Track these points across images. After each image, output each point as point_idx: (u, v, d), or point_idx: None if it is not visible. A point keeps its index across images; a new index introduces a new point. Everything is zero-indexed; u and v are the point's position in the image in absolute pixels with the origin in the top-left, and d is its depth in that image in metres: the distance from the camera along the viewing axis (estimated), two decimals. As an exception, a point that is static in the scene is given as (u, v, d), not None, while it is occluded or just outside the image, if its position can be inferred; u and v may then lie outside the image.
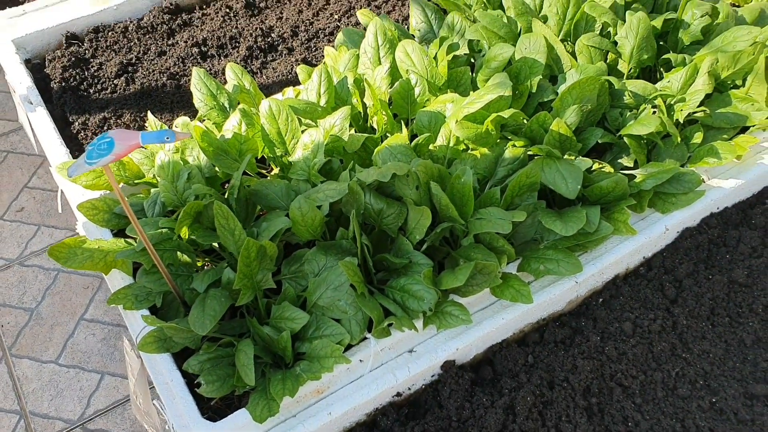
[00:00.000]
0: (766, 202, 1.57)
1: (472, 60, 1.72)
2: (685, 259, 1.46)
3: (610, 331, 1.36)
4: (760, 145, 1.61)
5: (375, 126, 1.59)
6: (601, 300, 1.43)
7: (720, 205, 1.53)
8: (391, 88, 1.62)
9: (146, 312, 1.37)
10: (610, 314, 1.40)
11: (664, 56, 1.66)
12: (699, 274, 1.44)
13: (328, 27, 2.09)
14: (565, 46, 1.68)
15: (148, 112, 1.65)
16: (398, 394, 1.30)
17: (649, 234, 1.45)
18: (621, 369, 1.30)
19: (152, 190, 1.57)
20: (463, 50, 1.70)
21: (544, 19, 1.72)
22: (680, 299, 1.40)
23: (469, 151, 1.52)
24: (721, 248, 1.48)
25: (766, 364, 1.31)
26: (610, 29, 1.68)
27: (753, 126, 1.58)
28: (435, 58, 1.61)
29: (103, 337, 2.21)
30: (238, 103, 1.62)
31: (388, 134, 1.54)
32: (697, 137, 1.56)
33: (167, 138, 1.07)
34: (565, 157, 1.48)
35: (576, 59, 1.62)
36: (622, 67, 1.65)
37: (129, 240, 1.46)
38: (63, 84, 1.94)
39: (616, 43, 1.65)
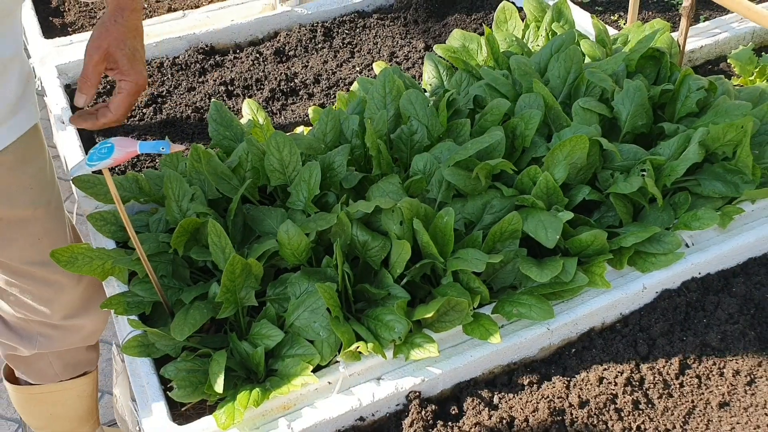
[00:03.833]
0: (750, 272, 1.58)
1: (477, 115, 1.81)
2: (661, 319, 1.48)
3: (576, 380, 1.38)
4: (747, 217, 1.64)
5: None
6: (573, 350, 1.46)
7: (702, 270, 1.56)
8: (393, 133, 1.71)
9: (135, 318, 1.44)
10: (580, 364, 1.42)
11: (659, 124, 1.72)
12: (674, 334, 1.46)
13: (349, 77, 2.21)
14: (564, 108, 1.75)
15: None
16: (361, 419, 1.33)
17: (626, 290, 1.48)
18: (581, 416, 1.32)
19: (160, 209, 1.67)
20: (467, 105, 1.79)
21: (547, 82, 1.80)
22: (651, 357, 1.42)
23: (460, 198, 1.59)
24: (699, 312, 1.50)
25: (728, 428, 1.32)
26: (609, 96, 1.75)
27: (741, 197, 1.61)
28: (437, 108, 1.70)
29: (109, 357, 2.29)
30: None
31: (384, 175, 1.62)
32: (685, 204, 1.60)
33: (162, 148, 1.16)
34: (552, 210, 1.53)
35: (572, 120, 1.69)
36: (618, 131, 1.72)
37: (129, 250, 1.55)
38: (96, 108, 2.08)
39: (613, 108, 1.71)
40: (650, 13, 2.48)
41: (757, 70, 2.10)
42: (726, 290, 1.55)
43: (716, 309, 1.50)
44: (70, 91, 2.17)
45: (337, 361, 1.36)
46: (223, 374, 1.27)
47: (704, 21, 2.38)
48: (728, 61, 2.14)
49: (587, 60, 1.91)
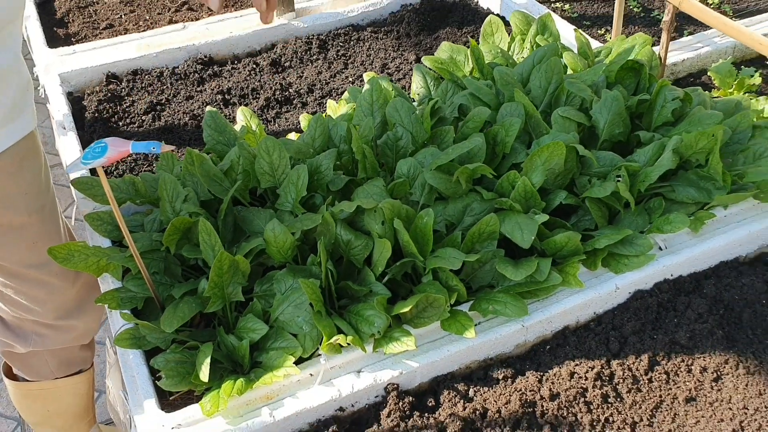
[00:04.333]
0: (721, 275, 1.64)
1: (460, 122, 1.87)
2: (633, 318, 1.54)
3: (548, 375, 1.44)
4: (720, 222, 1.70)
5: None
6: (548, 347, 1.52)
7: (674, 272, 1.62)
8: (380, 139, 1.78)
9: (127, 312, 1.51)
10: (554, 360, 1.48)
11: (636, 133, 1.79)
12: (644, 333, 1.52)
13: (342, 87, 2.29)
14: (545, 116, 1.82)
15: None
16: (341, 409, 1.39)
17: (599, 290, 1.54)
18: (552, 408, 1.37)
19: (155, 210, 1.73)
20: (452, 113, 1.86)
21: (529, 92, 1.87)
22: (622, 353, 1.48)
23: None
24: (670, 312, 1.56)
25: (693, 422, 1.37)
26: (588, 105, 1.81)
27: (713, 203, 1.67)
28: (422, 116, 1.77)
29: (105, 359, 2.35)
30: (242, 141, 1.79)
31: (370, 178, 1.69)
32: (659, 209, 1.66)
33: (153, 148, 1.24)
34: (529, 213, 1.59)
35: (552, 128, 1.76)
36: (596, 139, 1.78)
37: (123, 249, 1.61)
38: (96, 115, 2.16)
39: (591, 117, 1.78)
40: (636, 27, 2.55)
41: (736, 82, 2.17)
42: (697, 291, 1.60)
43: (686, 309, 1.56)
44: (72, 98, 2.26)
45: (319, 354, 1.42)
46: (208, 363, 1.33)
47: (688, 35, 2.45)
48: (708, 74, 2.21)
49: (569, 71, 1.98)
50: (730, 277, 1.64)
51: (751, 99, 2.05)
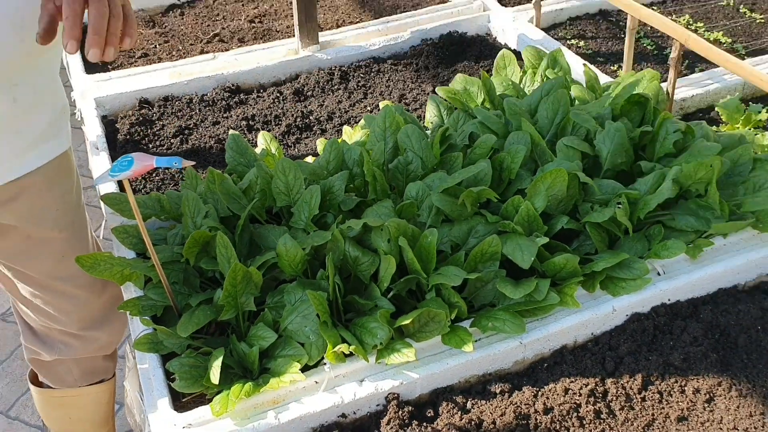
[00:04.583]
0: (718, 301, 1.69)
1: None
2: (629, 340, 1.59)
3: (544, 390, 1.49)
4: (719, 250, 1.75)
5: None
6: (546, 365, 1.57)
7: (672, 297, 1.67)
8: (391, 163, 1.87)
9: (147, 318, 1.60)
10: (550, 377, 1.53)
11: (638, 163, 1.85)
12: (640, 354, 1.57)
13: (360, 115, 2.39)
14: (551, 146, 1.89)
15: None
16: (343, 416, 1.46)
17: (597, 311, 1.60)
18: (545, 421, 1.42)
19: (177, 225, 1.84)
20: (462, 141, 1.95)
21: (536, 122, 1.95)
22: (617, 373, 1.53)
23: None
24: (666, 335, 1.61)
25: (684, 439, 1.41)
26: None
27: (710, 231, 1.72)
28: (432, 142, 1.86)
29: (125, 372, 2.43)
30: (261, 162, 1.90)
31: (379, 199, 1.77)
32: (659, 236, 1.72)
33: (175, 163, 1.34)
34: (531, 236, 1.66)
35: (556, 156, 1.84)
36: (599, 168, 1.85)
37: (146, 260, 1.72)
38: (128, 137, 2.29)
39: (595, 147, 1.85)
40: (648, 64, 2.63)
41: (743, 118, 2.23)
42: (694, 316, 1.65)
43: (682, 332, 1.60)
44: (106, 121, 2.39)
45: (324, 363, 1.49)
46: (219, 367, 1.41)
47: (699, 72, 2.52)
48: (716, 109, 2.27)
49: (577, 103, 2.06)
50: (728, 304, 1.68)
51: (756, 134, 2.11)
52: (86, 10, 1.24)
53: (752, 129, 2.21)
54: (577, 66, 2.39)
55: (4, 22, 1.37)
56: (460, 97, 2.12)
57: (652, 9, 2.92)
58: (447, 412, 1.46)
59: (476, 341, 1.54)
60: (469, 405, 1.48)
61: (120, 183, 1.95)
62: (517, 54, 2.58)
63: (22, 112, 1.52)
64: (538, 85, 2.21)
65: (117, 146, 2.28)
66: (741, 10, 2.91)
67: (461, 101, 2.09)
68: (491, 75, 2.34)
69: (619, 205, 1.72)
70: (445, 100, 2.16)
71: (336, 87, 2.56)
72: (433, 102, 2.15)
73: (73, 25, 1.21)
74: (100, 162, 2.11)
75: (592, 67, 2.30)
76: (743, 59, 2.58)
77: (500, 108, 2.07)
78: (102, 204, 1.90)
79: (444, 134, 1.91)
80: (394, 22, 2.84)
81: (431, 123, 2.14)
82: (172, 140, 2.32)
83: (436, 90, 2.16)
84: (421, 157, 1.84)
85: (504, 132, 1.93)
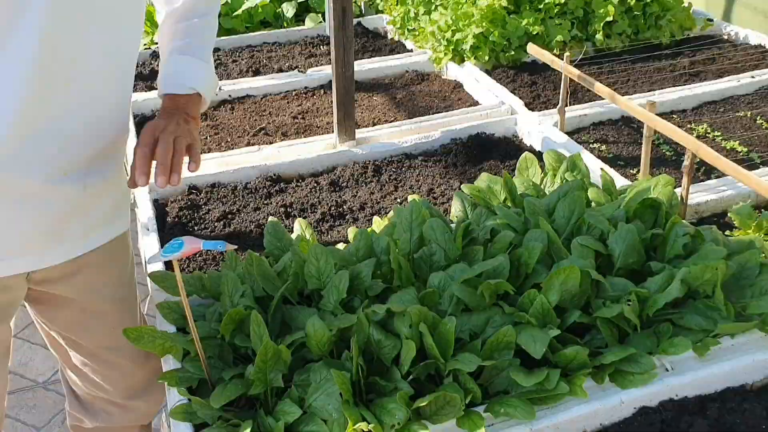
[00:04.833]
0: (726, 399, 1.75)
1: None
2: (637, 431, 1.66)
3: (552, 476, 1.56)
4: (727, 350, 1.83)
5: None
6: (555, 453, 1.65)
7: (679, 393, 1.74)
8: (416, 253, 2.01)
9: (183, 389, 1.73)
10: (558, 464, 1.60)
11: (648, 263, 1.96)
12: (647, 446, 1.64)
13: (390, 206, 2.56)
14: (566, 244, 2.02)
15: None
16: (359, 491, 1.54)
17: (605, 402, 1.68)
18: (551, 506, 1.49)
19: (216, 303, 1.99)
20: (484, 235, 2.09)
21: (553, 221, 2.09)
22: (623, 463, 1.60)
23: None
24: (674, 430, 1.67)
25: None
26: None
27: (717, 331, 1.81)
28: (455, 236, 2.00)
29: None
30: (296, 248, 2.06)
31: (404, 287, 1.91)
32: (667, 333, 1.81)
33: (219, 247, 1.50)
34: (545, 329, 1.77)
35: (571, 254, 1.96)
36: (612, 267, 1.97)
37: (186, 335, 1.86)
38: (176, 219, 2.49)
39: (607, 246, 1.97)
40: (666, 169, 2.77)
41: (755, 224, 2.33)
42: (701, 413, 1.72)
43: (689, 428, 1.67)
44: (157, 205, 2.59)
45: (345, 440, 1.59)
46: (246, 437, 1.52)
47: (715, 179, 2.65)
48: (729, 215, 2.38)
49: (593, 205, 2.20)
50: (735, 402, 1.75)
51: (766, 240, 2.21)
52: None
53: (763, 235, 2.31)
54: (596, 169, 2.54)
55: (90, 129, 1.59)
56: (483, 195, 2.27)
57: (673, 117, 3.10)
58: (458, 493, 1.54)
59: (489, 426, 1.63)
60: (479, 487, 1.56)
61: (167, 262, 2.12)
62: (539, 155, 2.75)
63: (91, 196, 1.72)
64: (558, 186, 2.35)
65: (166, 227, 2.46)
66: (758, 122, 3.06)
67: (484, 198, 2.24)
68: (515, 174, 2.49)
69: (629, 303, 1.82)
70: (470, 196, 2.32)
71: (369, 180, 2.74)
72: (459, 198, 2.31)
73: (143, 164, 1.59)
74: (150, 242, 2.29)
75: (609, 170, 2.45)
76: (758, 168, 2.71)
77: (520, 206, 2.21)
78: (148, 281, 2.06)
79: (467, 228, 2.05)
80: (427, 122, 3.05)
81: (456, 217, 2.29)
82: (216, 224, 2.50)
83: (461, 187, 2.32)
84: (444, 249, 1.98)
85: (523, 229, 2.06)
